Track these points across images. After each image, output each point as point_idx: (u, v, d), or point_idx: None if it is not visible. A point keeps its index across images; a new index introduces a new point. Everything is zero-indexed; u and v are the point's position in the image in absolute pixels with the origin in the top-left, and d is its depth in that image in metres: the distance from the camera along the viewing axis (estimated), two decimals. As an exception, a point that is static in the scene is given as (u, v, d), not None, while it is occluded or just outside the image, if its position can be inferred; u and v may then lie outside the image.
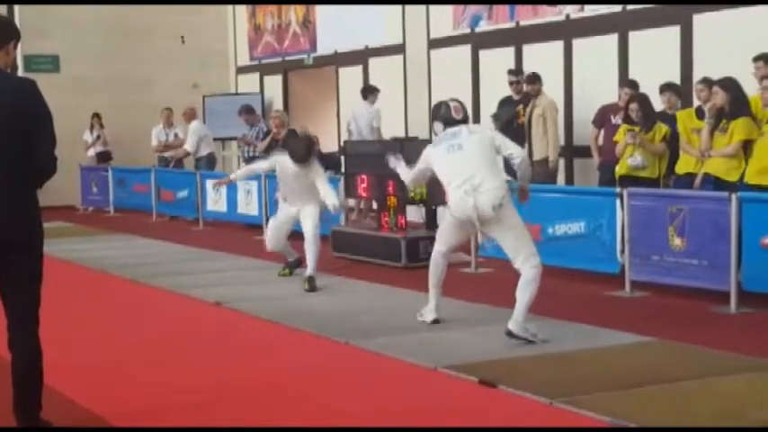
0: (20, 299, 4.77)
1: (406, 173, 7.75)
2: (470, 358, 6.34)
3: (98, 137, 18.85)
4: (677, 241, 8.20)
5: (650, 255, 8.42)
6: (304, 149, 9.49)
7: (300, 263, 10.05)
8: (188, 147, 16.55)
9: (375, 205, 11.95)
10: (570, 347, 6.61)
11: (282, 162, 9.66)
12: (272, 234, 10.03)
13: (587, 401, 5.27)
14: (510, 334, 6.77)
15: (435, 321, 7.50)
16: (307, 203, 9.69)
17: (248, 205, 14.27)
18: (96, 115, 18.73)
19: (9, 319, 4.79)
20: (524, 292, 6.82)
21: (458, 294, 8.64)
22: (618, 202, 8.74)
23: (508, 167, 8.05)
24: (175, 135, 17.33)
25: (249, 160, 13.94)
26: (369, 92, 14.86)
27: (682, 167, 9.50)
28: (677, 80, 11.23)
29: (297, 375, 6.23)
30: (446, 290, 8.48)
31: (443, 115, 7.27)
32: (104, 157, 18.92)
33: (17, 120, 4.63)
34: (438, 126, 7.31)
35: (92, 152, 18.93)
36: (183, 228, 15.41)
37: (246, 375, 6.26)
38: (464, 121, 7.28)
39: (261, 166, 10.30)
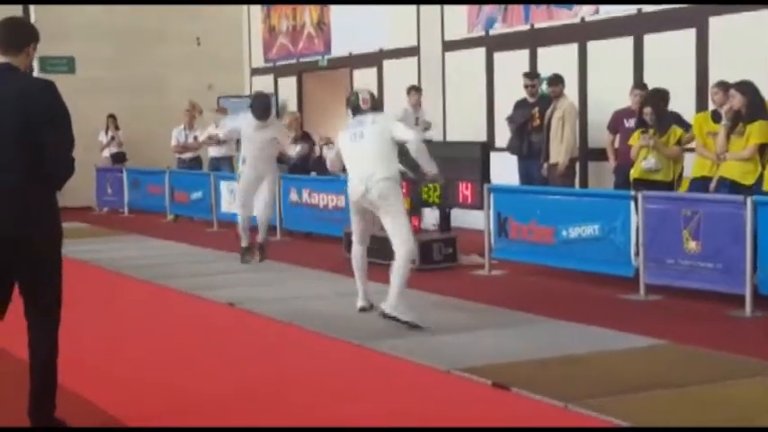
0: (39, 299, 4.77)
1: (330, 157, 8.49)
2: (484, 361, 6.32)
3: (112, 138, 18.91)
4: (692, 244, 8.17)
5: (665, 258, 8.39)
6: (263, 106, 11.04)
7: (250, 250, 11.16)
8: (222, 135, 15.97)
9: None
10: (584, 350, 6.59)
11: (246, 120, 10.95)
12: (243, 195, 11.15)
13: (601, 404, 5.26)
14: (383, 315, 7.42)
15: (362, 309, 8.07)
16: (267, 173, 10.98)
17: (262, 207, 14.25)
18: (112, 116, 18.80)
19: (29, 320, 4.79)
20: (396, 276, 7.45)
21: (471, 296, 8.63)
22: (632, 204, 8.71)
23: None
24: (195, 137, 17.36)
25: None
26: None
27: (697, 171, 9.47)
28: (693, 83, 11.20)
29: (309, 377, 6.23)
30: (460, 292, 8.49)
31: (352, 104, 7.94)
32: (119, 158, 18.98)
33: (31, 119, 4.62)
34: (348, 113, 7.98)
35: (107, 153, 19.00)
36: (196, 229, 15.43)
37: (259, 377, 6.27)
38: (374, 109, 7.90)
39: (227, 125, 11.91)
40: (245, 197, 11.11)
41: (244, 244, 11.15)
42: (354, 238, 8.13)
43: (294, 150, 11.57)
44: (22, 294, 4.78)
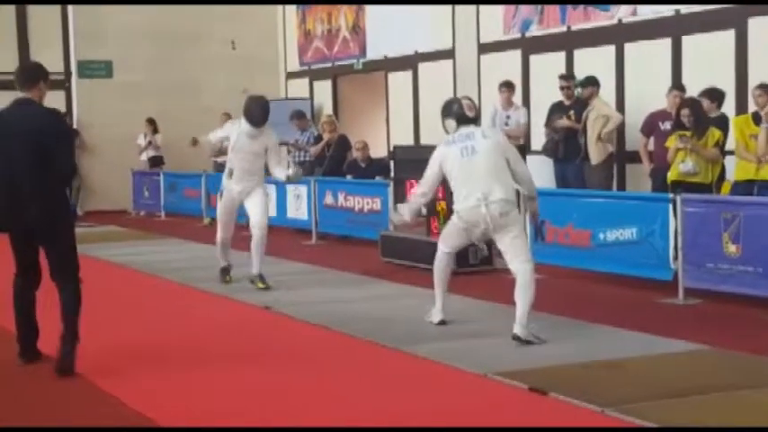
0: (59, 262, 6.39)
1: (415, 198, 7.72)
2: (520, 365, 6.28)
3: (149, 142, 19.02)
4: (732, 248, 8.07)
5: (704, 262, 8.29)
6: (261, 110, 9.56)
7: (228, 270, 10.15)
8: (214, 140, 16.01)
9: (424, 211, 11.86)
10: (622, 355, 6.53)
11: (238, 128, 9.72)
12: (226, 219, 9.95)
13: (639, 409, 5.20)
14: (517, 338, 6.86)
15: (442, 323, 7.57)
16: (255, 186, 9.69)
17: (298, 210, 14.30)
18: (150, 120, 18.91)
19: (51, 270, 6.42)
20: (524, 296, 6.94)
21: (507, 300, 8.56)
22: (671, 208, 8.62)
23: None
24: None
25: (301, 164, 14.01)
26: None
27: (741, 174, 9.35)
28: (732, 85, 11.08)
29: (344, 380, 6.22)
30: (496, 296, 8.45)
31: (456, 112, 7.27)
32: (156, 161, 19.08)
33: (44, 138, 6.17)
34: (450, 123, 7.29)
35: (144, 157, 19.11)
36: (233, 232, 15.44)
37: (296, 380, 6.25)
38: (476, 118, 7.32)
39: (216, 134, 10.31)
40: (227, 219, 9.98)
41: (223, 264, 10.22)
42: (445, 248, 7.49)
43: (284, 173, 9.66)
44: (47, 259, 6.38)
